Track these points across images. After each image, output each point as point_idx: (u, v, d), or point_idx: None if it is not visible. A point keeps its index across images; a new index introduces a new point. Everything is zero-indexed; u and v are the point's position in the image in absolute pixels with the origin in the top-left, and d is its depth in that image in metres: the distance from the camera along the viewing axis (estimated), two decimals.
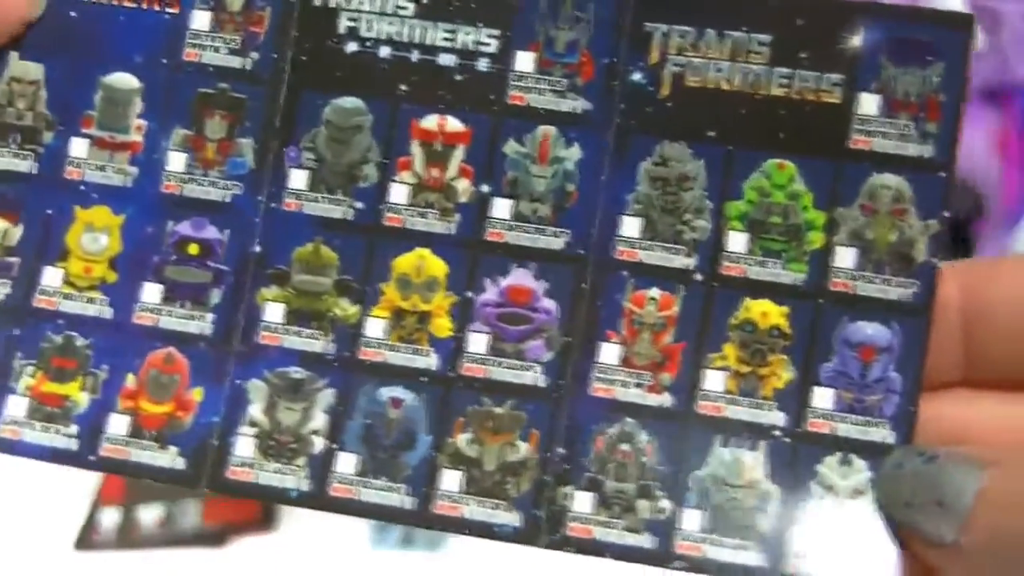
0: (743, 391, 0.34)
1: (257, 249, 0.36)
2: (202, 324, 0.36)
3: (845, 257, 0.34)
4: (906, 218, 0.33)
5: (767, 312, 0.34)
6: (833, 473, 0.33)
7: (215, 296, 0.36)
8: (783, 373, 0.34)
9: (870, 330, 0.33)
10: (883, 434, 0.33)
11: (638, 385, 0.34)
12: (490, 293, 0.35)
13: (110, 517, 0.90)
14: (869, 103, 0.34)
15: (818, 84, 0.34)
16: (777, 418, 0.34)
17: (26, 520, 0.89)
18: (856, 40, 0.34)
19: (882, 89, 0.34)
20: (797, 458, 0.33)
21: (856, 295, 0.34)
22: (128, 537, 0.90)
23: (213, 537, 0.90)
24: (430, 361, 0.35)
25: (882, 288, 0.33)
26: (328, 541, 0.89)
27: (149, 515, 0.90)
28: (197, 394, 0.36)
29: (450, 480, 0.34)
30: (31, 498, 0.88)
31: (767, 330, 0.34)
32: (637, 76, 0.35)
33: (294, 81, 0.36)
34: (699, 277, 0.34)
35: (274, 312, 0.36)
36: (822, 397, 0.33)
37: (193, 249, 0.36)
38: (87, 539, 0.90)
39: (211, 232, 0.36)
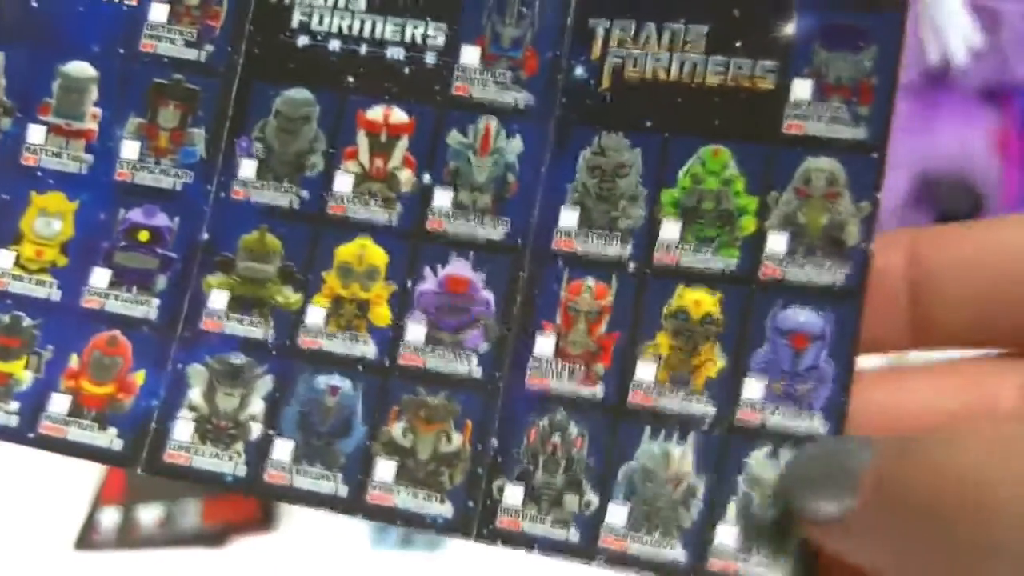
0: (674, 381, 0.33)
1: (205, 237, 0.36)
2: (147, 309, 0.36)
3: (777, 242, 0.33)
4: (838, 201, 0.33)
5: (700, 300, 0.34)
6: (761, 467, 0.33)
7: (161, 282, 0.36)
8: (715, 361, 0.33)
9: (802, 317, 0.33)
10: (814, 425, 0.32)
11: (572, 375, 0.34)
12: (429, 282, 0.35)
13: (110, 517, 0.91)
14: (802, 88, 0.34)
15: (752, 71, 0.34)
16: (707, 409, 0.33)
17: (26, 520, 0.89)
18: (790, 28, 0.34)
19: (815, 74, 0.34)
20: (726, 451, 0.33)
21: (787, 281, 0.33)
22: (128, 537, 0.90)
23: (213, 537, 0.90)
24: (368, 349, 0.35)
25: (812, 273, 0.33)
26: (328, 541, 0.89)
27: (149, 515, 0.90)
28: (139, 377, 0.36)
29: (384, 469, 0.34)
30: (31, 498, 0.89)
31: (700, 318, 0.34)
32: (580, 71, 0.35)
33: (246, 73, 0.37)
34: (632, 266, 0.34)
35: (218, 299, 0.36)
36: (752, 386, 0.33)
37: (143, 236, 0.37)
38: (87, 539, 0.90)
39: (161, 219, 0.37)
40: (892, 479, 0.28)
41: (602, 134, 0.35)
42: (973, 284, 0.32)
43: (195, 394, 0.36)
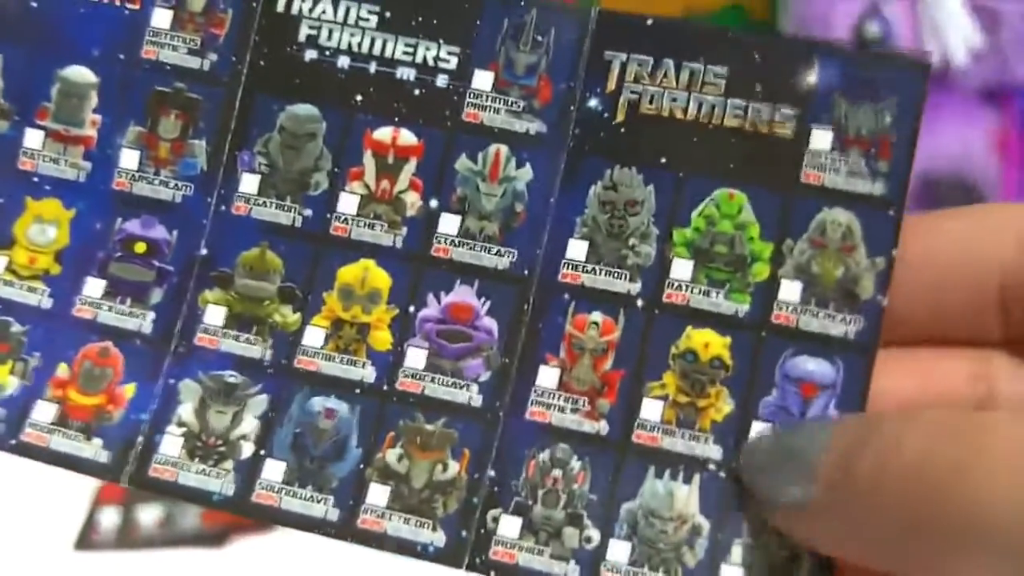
0: (681, 422, 0.33)
1: (203, 251, 0.36)
2: (141, 322, 0.35)
3: (790, 290, 0.33)
4: (854, 255, 0.33)
5: (709, 342, 0.33)
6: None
7: (156, 295, 0.36)
8: (722, 405, 0.33)
9: (811, 365, 0.33)
10: None
11: (575, 410, 0.34)
12: (431, 308, 0.35)
13: (110, 517, 0.90)
14: (821, 138, 0.34)
15: (772, 117, 0.34)
16: (713, 451, 0.33)
17: (26, 520, 0.88)
18: (811, 77, 0.34)
19: (835, 125, 0.34)
20: (731, 493, 0.33)
21: (799, 329, 0.33)
22: (128, 537, 0.89)
23: (213, 537, 0.89)
24: (366, 373, 0.35)
25: (825, 323, 0.33)
26: (328, 541, 0.88)
27: (149, 515, 0.90)
28: (129, 390, 0.35)
29: (376, 495, 0.34)
30: (31, 498, 0.88)
31: (708, 361, 0.33)
32: (593, 102, 0.35)
33: (250, 85, 0.36)
34: (641, 303, 0.34)
35: (214, 315, 0.35)
36: (760, 432, 0.33)
37: (140, 248, 0.36)
38: (87, 539, 0.89)
39: (159, 232, 0.36)
40: (848, 465, 0.28)
41: (615, 168, 0.34)
42: (923, 277, 0.32)
43: (186, 410, 0.35)
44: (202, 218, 0.36)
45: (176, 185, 0.36)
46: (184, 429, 0.35)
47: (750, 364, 0.33)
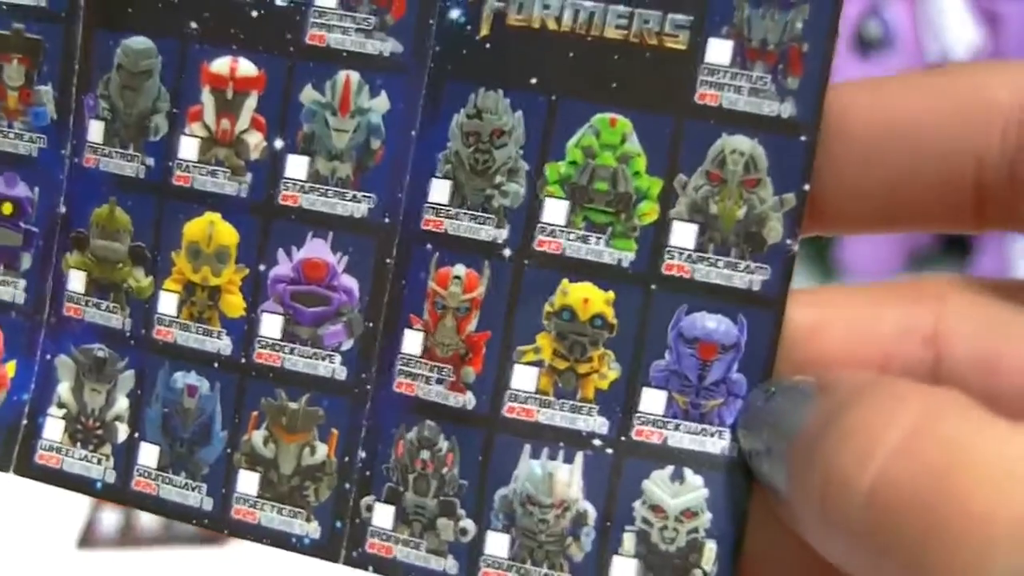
0: (559, 392, 0.28)
1: (62, 209, 0.32)
2: (15, 291, 0.32)
3: (683, 234, 0.27)
4: (758, 190, 0.27)
5: (589, 298, 0.28)
6: (662, 491, 0.27)
7: (26, 260, 0.32)
8: (607, 371, 0.28)
9: (711, 323, 0.27)
10: (722, 445, 0.27)
11: (440, 381, 0.29)
12: (283, 267, 0.30)
13: (111, 517, 0.93)
14: (720, 50, 0.27)
15: (661, 26, 0.27)
16: (598, 424, 0.28)
17: (29, 519, 0.91)
18: None
19: (736, 34, 0.27)
20: (620, 473, 0.28)
21: (695, 280, 0.27)
22: (129, 536, 0.92)
23: (213, 537, 0.91)
24: (222, 344, 0.30)
25: (726, 273, 0.27)
26: None
27: (150, 514, 0.92)
28: (10, 368, 0.32)
29: (246, 482, 0.30)
30: (34, 497, 0.91)
31: (589, 319, 0.28)
32: (455, 13, 0.29)
33: (89, 18, 0.32)
34: (508, 252, 0.28)
35: (76, 281, 0.32)
36: (652, 401, 0.27)
37: (7, 209, 0.33)
38: (89, 538, 0.92)
39: (22, 189, 0.32)
40: (820, 460, 0.22)
41: (479, 92, 0.28)
42: (885, 155, 0.26)
43: (64, 389, 0.32)
44: (59, 173, 0.32)
45: (31, 138, 0.32)
46: (64, 411, 0.32)
47: (638, 322, 0.28)
